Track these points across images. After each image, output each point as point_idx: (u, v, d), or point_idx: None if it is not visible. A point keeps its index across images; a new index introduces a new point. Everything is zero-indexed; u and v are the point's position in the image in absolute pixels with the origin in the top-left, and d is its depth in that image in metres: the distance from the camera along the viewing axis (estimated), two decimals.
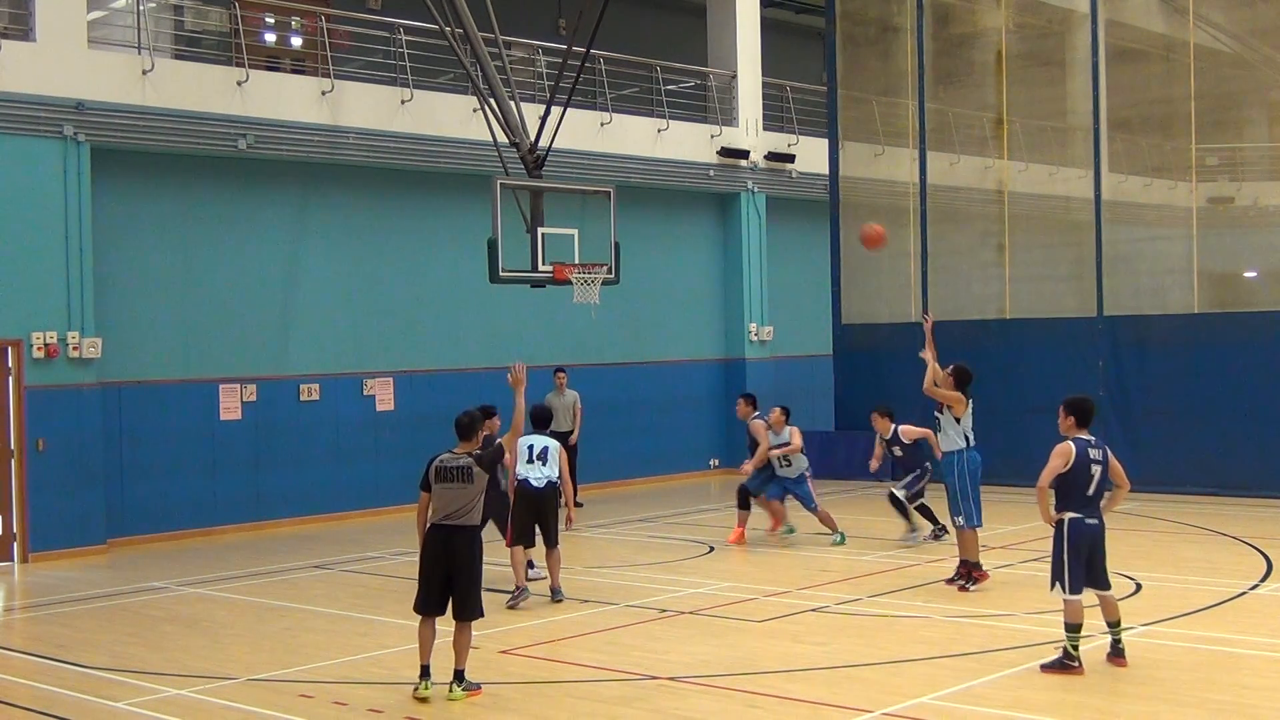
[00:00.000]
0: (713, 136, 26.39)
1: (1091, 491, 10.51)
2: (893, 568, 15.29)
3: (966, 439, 13.88)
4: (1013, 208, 24.08)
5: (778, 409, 17.38)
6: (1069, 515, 10.49)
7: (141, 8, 19.58)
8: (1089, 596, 10.42)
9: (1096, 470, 10.50)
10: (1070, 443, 10.55)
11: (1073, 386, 21.80)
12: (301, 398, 20.75)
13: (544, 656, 11.48)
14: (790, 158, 27.57)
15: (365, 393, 21.48)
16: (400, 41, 21.80)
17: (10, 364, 17.61)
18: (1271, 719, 9.11)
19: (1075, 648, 10.30)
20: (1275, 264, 21.62)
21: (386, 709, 9.82)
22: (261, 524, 20.05)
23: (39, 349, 17.71)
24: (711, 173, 26.37)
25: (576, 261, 18.90)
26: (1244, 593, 13.51)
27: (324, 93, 20.71)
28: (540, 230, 18.79)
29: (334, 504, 20.83)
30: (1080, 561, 10.42)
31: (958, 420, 13.84)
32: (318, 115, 20.60)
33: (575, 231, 19.12)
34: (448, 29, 19.32)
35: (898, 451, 17.06)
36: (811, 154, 27.26)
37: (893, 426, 17.06)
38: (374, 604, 14.18)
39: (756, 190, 27.23)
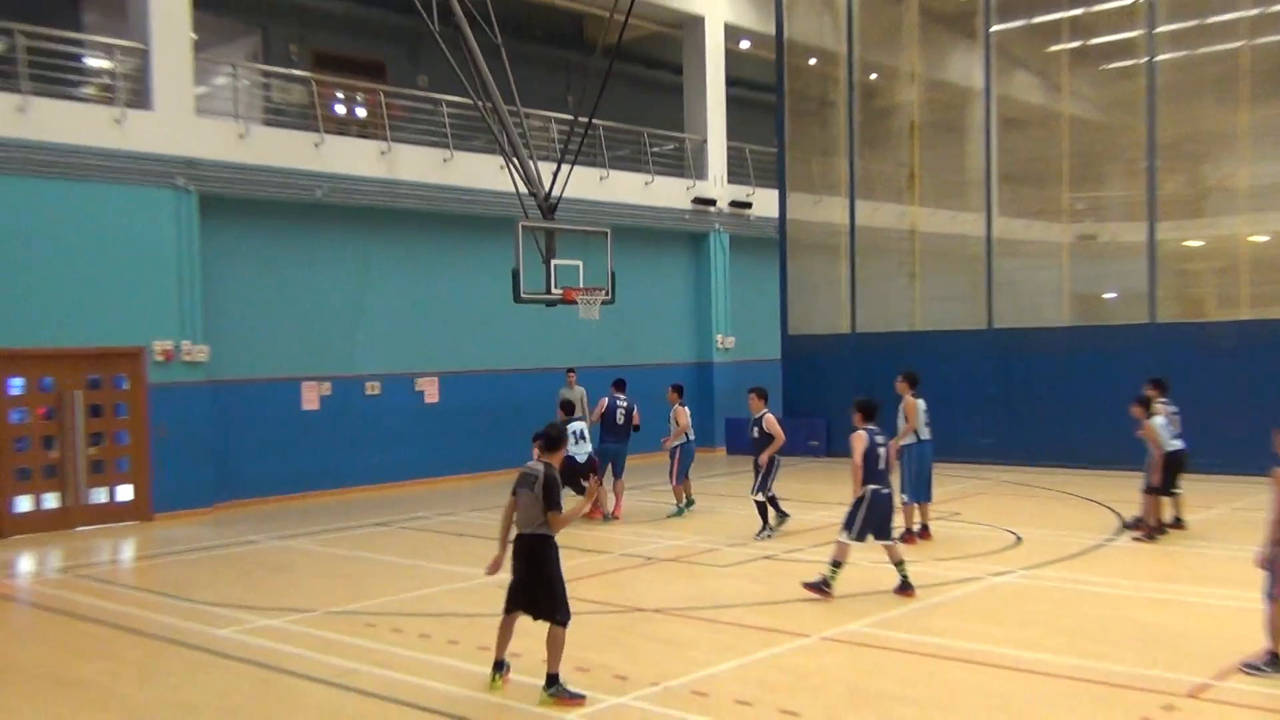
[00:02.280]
0: (688, 188, 26.49)
1: (882, 467, 11.07)
2: (826, 524, 15.35)
3: (917, 434, 13.88)
4: (922, 244, 24.19)
5: (671, 386, 17.25)
6: (871, 487, 10.96)
7: (238, 84, 19.66)
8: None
9: (882, 451, 11.14)
10: (863, 433, 11.09)
11: (970, 385, 22.16)
12: (366, 392, 20.82)
13: None
14: (748, 205, 27.67)
15: (416, 389, 21.55)
16: (443, 112, 21.89)
17: (137, 366, 17.71)
18: (1123, 638, 9.24)
19: (834, 578, 10.91)
20: (1130, 288, 21.72)
21: (433, 634, 9.93)
22: (335, 491, 20.12)
23: (159, 354, 17.78)
24: (687, 216, 26.46)
25: (581, 286, 18.97)
26: (1101, 544, 13.64)
27: (383, 153, 20.78)
28: (553, 261, 18.85)
29: (391, 476, 20.89)
30: (871, 521, 10.94)
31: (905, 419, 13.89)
32: (378, 170, 20.68)
33: (580, 262, 19.18)
34: (480, 103, 19.41)
35: (755, 433, 14.68)
36: (765, 202, 27.34)
37: (764, 409, 14.78)
38: (423, 554, 14.25)
39: (722, 230, 27.32)
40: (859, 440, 11.01)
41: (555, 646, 8.01)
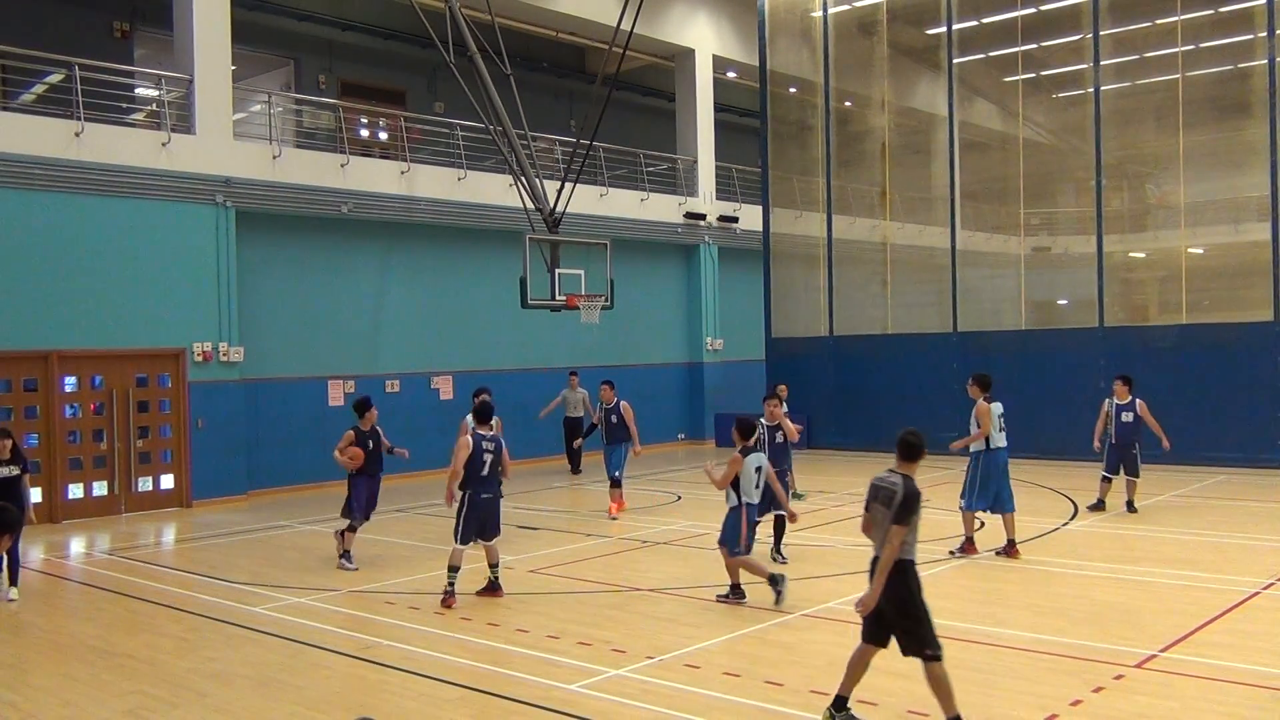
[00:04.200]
0: (680, 204, 26.42)
1: (485, 473, 10.07)
2: (807, 510, 15.29)
3: (989, 440, 11.59)
4: (893, 255, 24.16)
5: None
6: (469, 490, 10.03)
7: (272, 110, 19.57)
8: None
9: (488, 458, 10.07)
10: (469, 436, 10.14)
11: (936, 384, 22.11)
12: (387, 389, 20.71)
13: (561, 574, 11.50)
14: (735, 219, 27.61)
15: (432, 386, 21.46)
16: (457, 136, 21.81)
17: (179, 366, 17.60)
18: (1078, 614, 9.17)
19: (452, 584, 10.00)
20: (1080, 295, 21.75)
21: (447, 613, 9.82)
22: None
23: (198, 355, 17.68)
24: (679, 230, 26.38)
25: (583, 293, 18.93)
26: (1057, 528, 13.58)
27: (403, 172, 20.69)
28: (557, 270, 18.82)
29: (409, 466, 20.58)
30: (473, 525, 10.04)
31: (978, 425, 11.57)
32: (398, 188, 20.59)
33: (582, 272, 19.16)
34: (492, 127, 19.34)
35: (779, 438, 12.35)
36: (750, 217, 27.30)
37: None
38: (438, 538, 14.15)
39: (711, 243, 27.26)
40: (463, 447, 10.02)
41: (939, 686, 6.29)
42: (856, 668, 6.58)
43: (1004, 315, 22.61)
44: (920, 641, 6.32)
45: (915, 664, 7.89)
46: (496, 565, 10.36)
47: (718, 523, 14.43)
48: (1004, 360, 21.80)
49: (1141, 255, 22.28)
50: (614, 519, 14.99)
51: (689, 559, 12.20)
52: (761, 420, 11.83)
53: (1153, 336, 20.41)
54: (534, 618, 9.52)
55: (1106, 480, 14.48)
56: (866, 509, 6.59)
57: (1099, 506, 14.48)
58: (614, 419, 15.59)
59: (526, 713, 7.06)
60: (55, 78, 18.24)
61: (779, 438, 12.24)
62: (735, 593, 9.98)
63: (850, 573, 10.97)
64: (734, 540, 9.86)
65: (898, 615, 6.36)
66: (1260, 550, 11.94)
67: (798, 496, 15.39)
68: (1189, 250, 20.78)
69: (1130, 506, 14.37)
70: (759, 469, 10.00)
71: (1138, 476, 14.38)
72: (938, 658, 6.28)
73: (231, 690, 7.73)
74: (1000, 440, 11.61)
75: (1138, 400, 14.36)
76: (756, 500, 10.00)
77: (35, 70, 18.03)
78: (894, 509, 6.31)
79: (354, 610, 10.00)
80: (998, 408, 11.76)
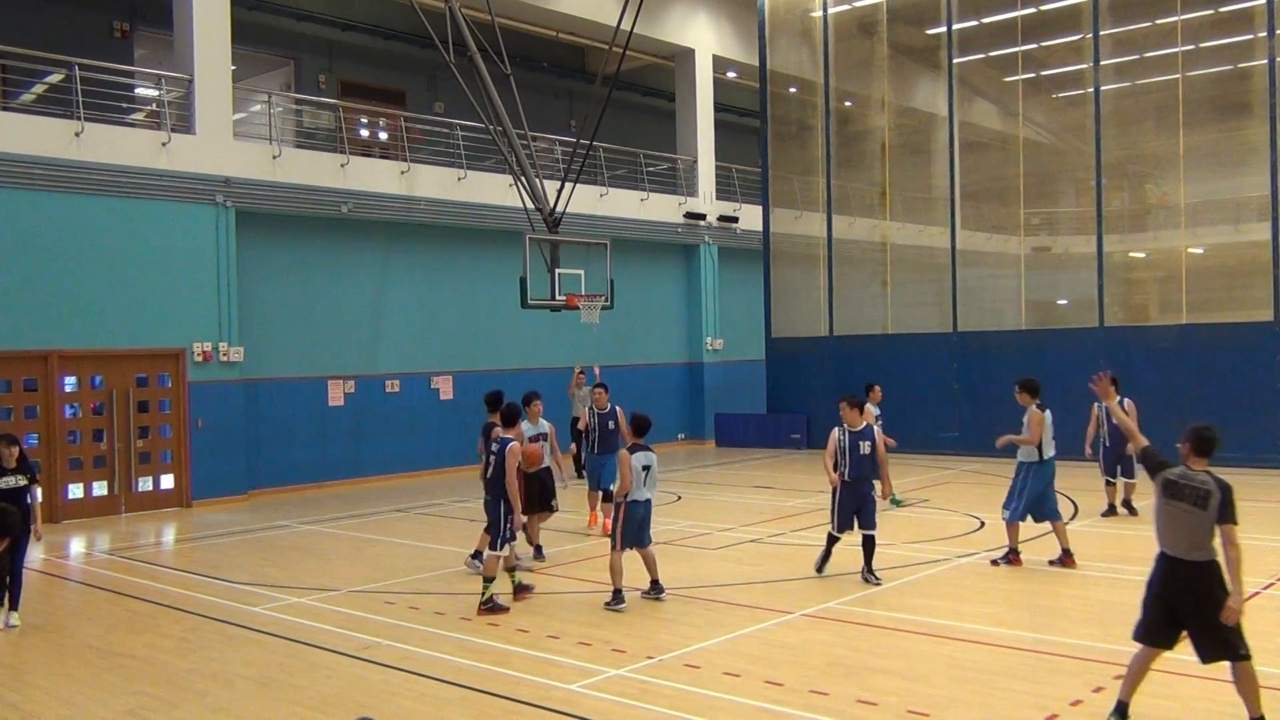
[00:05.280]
0: (680, 204, 26.41)
1: (488, 476, 9.78)
2: (807, 510, 15.28)
3: (1040, 450, 11.25)
4: (893, 255, 24.14)
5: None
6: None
7: (272, 110, 19.56)
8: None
9: (492, 459, 9.77)
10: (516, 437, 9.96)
11: (936, 384, 22.12)
12: (386, 389, 20.72)
13: (561, 575, 11.49)
14: (735, 219, 27.60)
15: (432, 386, 21.45)
16: (457, 136, 21.80)
17: (179, 366, 17.59)
18: (1078, 614, 9.17)
19: (505, 589, 9.93)
20: (1080, 295, 21.71)
21: (447, 612, 9.82)
22: (358, 480, 20.02)
23: (198, 355, 17.67)
24: (679, 230, 26.37)
25: (583, 293, 18.92)
26: None
27: (403, 172, 20.68)
28: (557, 270, 18.81)
29: (409, 465, 20.80)
30: (490, 528, 9.97)
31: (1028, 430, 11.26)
32: (398, 188, 20.58)
33: (582, 272, 19.15)
34: (492, 127, 19.33)
35: (865, 449, 10.63)
36: (750, 217, 27.29)
37: (864, 423, 10.80)
38: (438, 537, 14.15)
39: (711, 243, 27.25)
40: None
41: (1247, 685, 6.17)
42: (1140, 674, 6.45)
43: (1004, 315, 22.59)
44: (1225, 645, 6.16)
45: (915, 664, 7.91)
46: (511, 570, 10.14)
47: (718, 523, 14.51)
48: (1003, 360, 21.79)
49: (1141, 255, 22.25)
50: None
51: (689, 559, 12.19)
52: (846, 427, 10.64)
53: (1153, 336, 20.39)
54: (534, 618, 9.51)
55: (1110, 484, 14.43)
56: (1161, 500, 6.26)
57: (1111, 512, 14.33)
58: (610, 425, 14.07)
59: (526, 713, 7.05)
60: (55, 78, 18.23)
61: (862, 448, 10.58)
62: (654, 588, 10.04)
63: (850, 573, 10.95)
64: (613, 538, 9.91)
65: (1202, 616, 6.17)
66: (1260, 550, 11.93)
67: (896, 503, 14.84)
68: (1189, 250, 20.76)
69: (1129, 507, 14.33)
70: (646, 467, 9.86)
71: (1133, 478, 14.33)
72: (1247, 657, 6.17)
73: (231, 690, 7.73)
74: (1051, 450, 11.17)
75: (1126, 399, 14.24)
76: (642, 498, 9.85)
77: (35, 70, 18.01)
78: (1220, 507, 6.09)
79: (354, 610, 9.98)
80: (1049, 416, 11.48)
